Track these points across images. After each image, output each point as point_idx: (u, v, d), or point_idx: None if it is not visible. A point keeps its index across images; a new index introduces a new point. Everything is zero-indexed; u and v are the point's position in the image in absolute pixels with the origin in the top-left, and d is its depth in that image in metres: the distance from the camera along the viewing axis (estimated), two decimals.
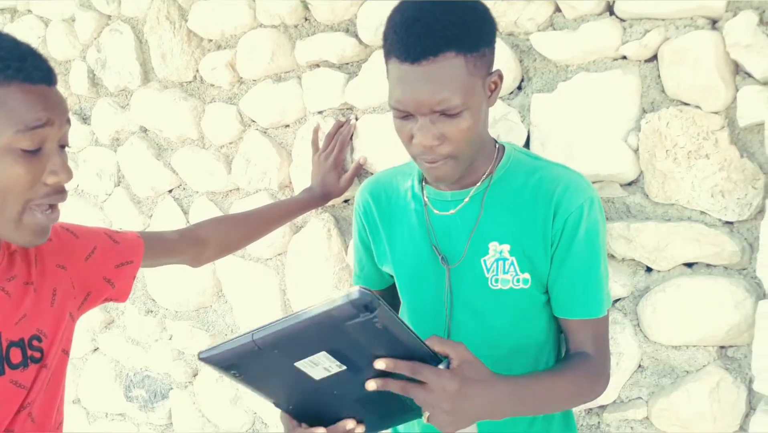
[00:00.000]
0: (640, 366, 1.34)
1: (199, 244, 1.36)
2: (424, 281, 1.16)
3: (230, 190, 1.94)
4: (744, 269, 1.22)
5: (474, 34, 0.96)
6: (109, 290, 1.20)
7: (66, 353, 1.11)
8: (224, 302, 2.04)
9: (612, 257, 1.33)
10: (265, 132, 1.82)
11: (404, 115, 1.00)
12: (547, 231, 1.06)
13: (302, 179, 1.74)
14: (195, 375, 2.16)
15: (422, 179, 1.18)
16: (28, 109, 0.87)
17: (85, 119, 2.26)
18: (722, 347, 1.26)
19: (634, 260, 1.32)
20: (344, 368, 0.85)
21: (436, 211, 1.14)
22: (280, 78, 1.77)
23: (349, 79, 1.63)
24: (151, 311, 2.23)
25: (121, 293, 1.23)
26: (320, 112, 1.70)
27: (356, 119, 1.64)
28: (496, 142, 1.15)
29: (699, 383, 1.25)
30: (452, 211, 1.12)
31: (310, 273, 1.78)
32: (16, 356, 0.98)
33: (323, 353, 0.83)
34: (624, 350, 1.32)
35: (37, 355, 1.02)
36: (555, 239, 1.06)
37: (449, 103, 0.95)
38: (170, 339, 2.18)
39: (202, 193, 2.00)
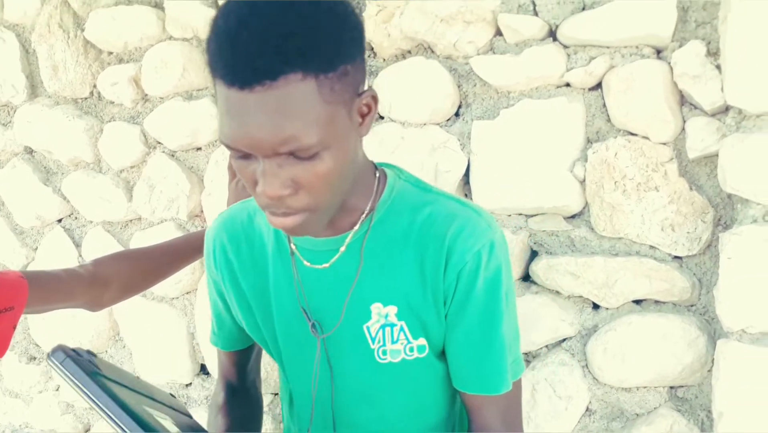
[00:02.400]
0: (588, 409, 1.27)
1: (99, 284, 1.17)
2: (296, 354, 0.93)
3: (131, 220, 1.74)
4: (693, 306, 1.19)
5: (329, 46, 0.69)
6: None
7: None
8: (122, 347, 1.82)
9: (558, 293, 1.27)
10: (173, 155, 1.65)
11: (242, 154, 0.73)
12: (438, 284, 0.84)
13: (215, 208, 1.58)
14: (87, 431, 1.91)
15: None
16: None
17: None
18: (672, 388, 1.22)
19: (581, 296, 1.25)
20: None
21: (306, 262, 0.88)
22: (192, 96, 1.60)
23: None
24: (35, 358, 1.98)
25: None
26: None
27: None
28: (375, 168, 0.89)
29: (651, 427, 1.20)
30: (325, 264, 0.87)
31: None
32: None
33: None
34: (573, 393, 1.25)
35: None
36: (448, 294, 0.84)
37: (299, 143, 0.69)
38: (57, 390, 1.93)
39: (97, 223, 1.78)
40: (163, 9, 1.57)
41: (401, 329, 0.86)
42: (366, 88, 0.76)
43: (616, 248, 1.22)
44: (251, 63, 0.65)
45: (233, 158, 0.75)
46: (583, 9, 1.22)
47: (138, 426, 0.70)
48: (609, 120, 1.22)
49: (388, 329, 0.86)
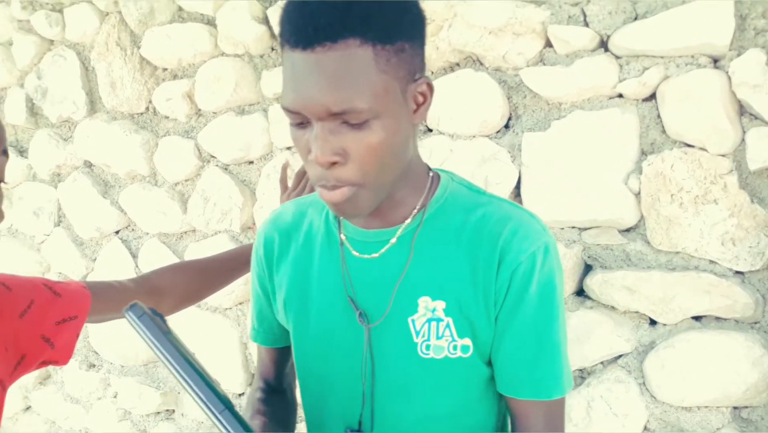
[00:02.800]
0: (646, 428, 1.24)
1: (156, 295, 1.20)
2: (336, 344, 0.91)
3: (185, 232, 1.78)
4: (756, 323, 1.14)
5: (388, 19, 0.73)
6: (48, 351, 1.04)
7: None
8: None
9: (613, 308, 1.24)
10: (226, 168, 1.68)
11: (300, 121, 0.77)
12: (490, 284, 0.83)
13: None
14: None
15: None
16: None
17: (21, 152, 2.06)
18: (736, 408, 1.18)
19: (637, 312, 1.22)
20: None
21: (354, 252, 0.89)
22: (244, 111, 1.64)
23: None
24: (94, 366, 2.04)
25: (62, 354, 1.07)
26: (289, 148, 1.57)
27: None
28: (429, 169, 0.91)
29: None
30: (375, 254, 0.88)
31: None
32: None
33: None
34: (629, 411, 1.22)
35: None
36: (499, 295, 0.83)
37: (350, 105, 0.72)
38: (115, 397, 1.99)
39: (153, 234, 1.83)
40: (215, 26, 1.61)
41: (447, 325, 0.85)
42: (421, 75, 0.78)
43: (674, 262, 1.19)
44: (314, 24, 0.70)
45: (291, 126, 0.77)
46: (636, 19, 1.19)
47: (207, 386, 0.70)
48: (664, 131, 1.19)
49: (434, 323, 0.85)
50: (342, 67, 0.71)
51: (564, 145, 1.25)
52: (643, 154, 1.21)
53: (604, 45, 1.23)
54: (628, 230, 1.24)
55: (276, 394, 1.09)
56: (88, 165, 1.94)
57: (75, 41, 1.89)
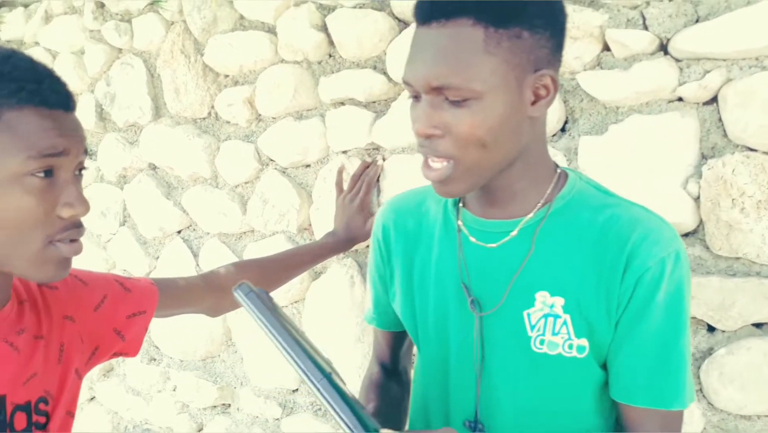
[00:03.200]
0: None
1: (220, 292, 1.25)
2: (448, 330, 0.92)
3: (244, 232, 1.83)
4: None
5: (506, 4, 0.74)
6: (119, 344, 1.10)
7: (71, 415, 0.99)
8: (234, 352, 1.92)
9: None
10: (284, 171, 1.73)
11: (413, 93, 0.80)
12: (614, 287, 0.81)
13: (322, 222, 1.64)
14: (200, 430, 2.03)
15: (459, 200, 0.95)
16: (42, 135, 0.79)
17: (90, 155, 2.16)
18: None
19: (695, 317, 1.21)
20: None
21: (472, 238, 0.90)
22: (302, 116, 1.68)
23: (377, 118, 1.54)
24: (155, 359, 2.11)
25: (132, 346, 1.13)
26: (344, 152, 1.61)
27: (383, 160, 1.55)
28: (557, 167, 0.91)
29: None
30: (493, 244, 0.88)
31: (329, 323, 1.66)
32: (20, 421, 0.87)
33: None
34: (686, 418, 1.20)
35: (42, 420, 0.91)
36: (623, 299, 0.81)
37: (448, 81, 0.74)
38: (174, 390, 2.05)
39: (213, 234, 1.89)
40: (275, 34, 1.66)
41: (564, 322, 0.83)
42: (546, 69, 0.78)
43: (734, 268, 1.17)
44: (432, 2, 0.75)
45: (410, 100, 0.82)
46: (697, 21, 1.18)
47: (308, 358, 0.72)
48: (725, 135, 1.17)
49: (550, 319, 0.84)
50: (449, 45, 0.74)
51: (621, 149, 1.25)
52: (703, 158, 1.20)
53: (663, 48, 1.23)
54: (686, 235, 1.22)
55: (391, 376, 1.13)
56: (153, 167, 2.02)
57: (142, 49, 1.97)
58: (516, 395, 0.88)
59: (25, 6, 2.26)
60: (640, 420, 0.83)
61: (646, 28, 1.23)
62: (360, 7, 1.50)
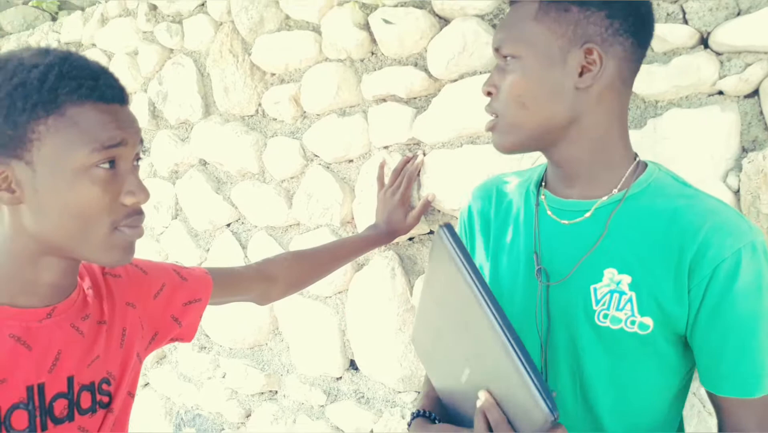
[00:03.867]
0: None
1: (269, 281, 1.31)
2: (517, 296, 0.97)
3: (290, 225, 1.89)
4: None
5: None
6: (176, 330, 1.16)
7: (132, 395, 1.06)
8: (280, 341, 1.98)
9: None
10: (328, 167, 1.78)
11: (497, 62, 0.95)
12: (683, 273, 0.84)
13: (364, 215, 1.69)
14: (248, 416, 2.10)
15: (541, 181, 1.02)
16: (102, 128, 0.84)
17: (144, 151, 2.25)
18: None
19: None
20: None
21: (549, 212, 0.96)
22: (345, 112, 1.73)
23: (417, 114, 1.58)
24: (205, 348, 2.18)
25: (188, 332, 1.19)
26: (386, 147, 1.65)
27: (424, 155, 1.58)
28: (636, 156, 0.96)
29: None
30: (567, 221, 0.94)
31: (371, 313, 1.71)
32: (86, 400, 0.94)
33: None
34: None
35: (106, 399, 0.97)
36: (698, 290, 0.83)
37: (501, 43, 0.90)
38: (223, 377, 2.12)
39: (261, 227, 1.96)
40: (320, 33, 1.70)
41: (630, 299, 0.86)
42: (600, 48, 0.86)
43: None
44: None
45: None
46: (738, 14, 1.18)
47: (507, 319, 0.76)
48: (766, 128, 1.17)
49: (616, 295, 0.87)
50: (513, 14, 0.89)
51: (661, 143, 1.25)
52: (744, 151, 1.20)
53: (704, 42, 1.23)
54: None
55: None
56: (203, 163, 2.09)
57: (192, 49, 2.04)
58: (577, 369, 0.92)
59: (83, 9, 2.37)
60: (732, 409, 0.86)
61: (686, 22, 1.23)
62: (402, 6, 1.54)
